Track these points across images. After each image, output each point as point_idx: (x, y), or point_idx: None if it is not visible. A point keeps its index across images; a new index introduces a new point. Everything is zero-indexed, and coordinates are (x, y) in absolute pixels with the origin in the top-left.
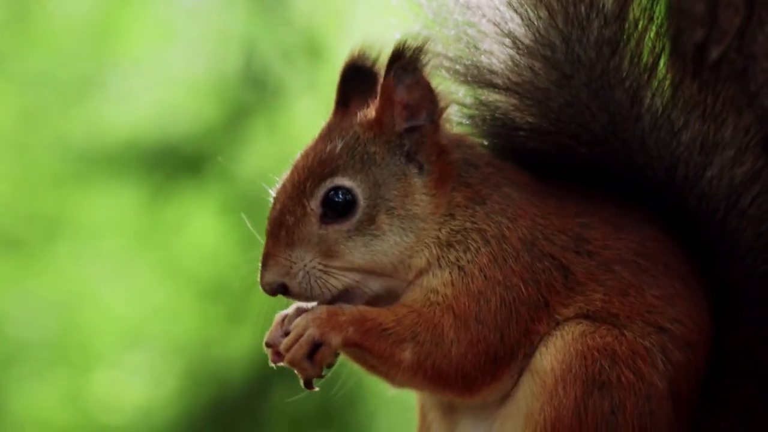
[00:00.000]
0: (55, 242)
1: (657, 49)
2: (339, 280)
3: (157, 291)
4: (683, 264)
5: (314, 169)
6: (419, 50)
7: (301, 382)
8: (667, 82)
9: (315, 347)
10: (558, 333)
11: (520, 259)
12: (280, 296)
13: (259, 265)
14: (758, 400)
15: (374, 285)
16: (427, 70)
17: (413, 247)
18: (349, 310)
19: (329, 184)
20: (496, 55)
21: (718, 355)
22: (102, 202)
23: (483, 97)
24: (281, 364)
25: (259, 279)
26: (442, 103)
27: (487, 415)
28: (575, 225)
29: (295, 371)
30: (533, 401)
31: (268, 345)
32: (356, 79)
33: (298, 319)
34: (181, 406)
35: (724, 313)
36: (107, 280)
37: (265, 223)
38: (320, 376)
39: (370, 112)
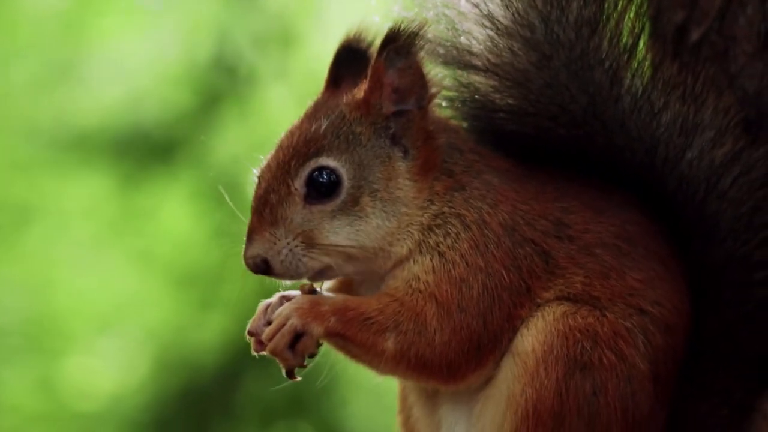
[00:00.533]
0: (26, 228)
1: (637, 30)
2: (321, 260)
3: (128, 277)
4: (663, 247)
5: (299, 149)
6: (414, 34)
7: (283, 372)
8: (647, 63)
9: (297, 337)
10: (539, 314)
11: (501, 244)
12: (253, 282)
13: (243, 239)
14: (738, 383)
15: (356, 268)
16: (421, 56)
17: (394, 233)
18: (331, 299)
19: (313, 164)
20: (476, 36)
21: (698, 338)
22: (73, 188)
23: (462, 79)
24: (263, 353)
25: (242, 253)
26: (432, 90)
27: (468, 398)
28: (555, 209)
29: (277, 360)
30: (514, 383)
31: (250, 334)
32: (349, 60)
33: (280, 309)
34: (152, 392)
35: (704, 295)
36: (79, 266)
37: (236, 208)
38: (302, 366)
39: (358, 92)
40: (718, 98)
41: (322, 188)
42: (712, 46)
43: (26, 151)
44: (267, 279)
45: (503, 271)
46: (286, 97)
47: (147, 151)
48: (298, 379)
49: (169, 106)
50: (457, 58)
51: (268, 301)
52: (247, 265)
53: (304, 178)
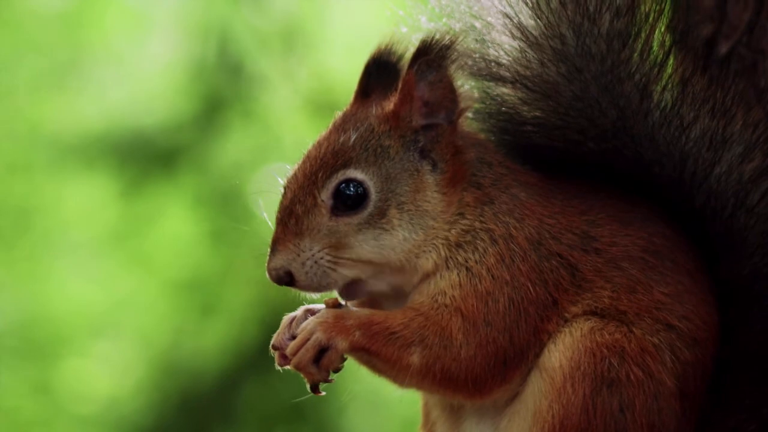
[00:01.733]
0: (26, 231)
1: (667, 44)
2: (346, 273)
3: (129, 282)
4: (690, 261)
5: (326, 160)
6: (446, 48)
7: (308, 386)
8: (677, 77)
9: (322, 351)
10: (566, 330)
11: (527, 258)
12: (253, 289)
13: (267, 251)
14: (766, 398)
15: (381, 281)
16: (452, 69)
17: (420, 246)
18: (356, 314)
19: (341, 176)
20: (505, 48)
21: (725, 352)
22: (74, 193)
23: (490, 91)
24: (287, 367)
25: (266, 264)
26: (462, 105)
27: (493, 413)
28: (582, 223)
29: (302, 375)
30: (541, 399)
31: (274, 348)
32: (379, 72)
33: (305, 323)
34: (151, 397)
35: (732, 310)
36: (78, 270)
37: (238, 215)
38: (327, 381)
39: (388, 105)
40: (747, 113)
41: (349, 201)
42: (740, 60)
43: (27, 154)
44: (271, 288)
45: (529, 285)
46: (291, 102)
47: (149, 155)
48: (323, 393)
49: (172, 111)
50: (486, 70)
51: (293, 314)
52: (270, 276)
53: (331, 190)
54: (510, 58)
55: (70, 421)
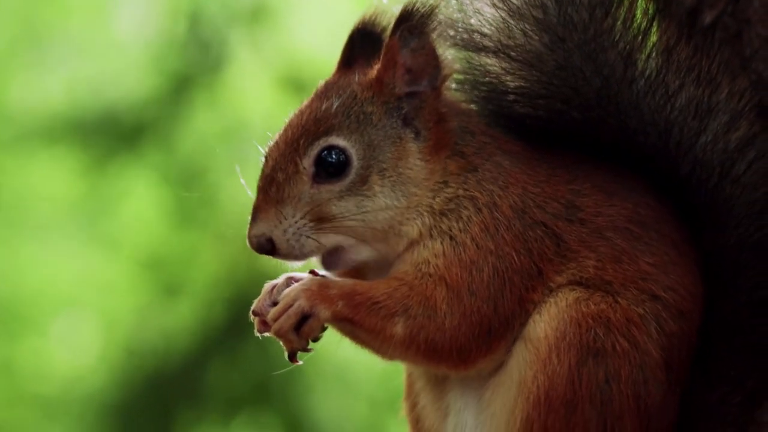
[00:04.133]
0: None
1: (650, 12)
2: (328, 241)
3: (94, 261)
4: (676, 231)
5: (308, 127)
6: (429, 14)
7: (285, 355)
8: (662, 46)
9: (303, 319)
10: (551, 300)
11: (511, 227)
12: (220, 268)
13: (248, 218)
14: (750, 370)
15: (363, 250)
16: (435, 36)
17: (404, 213)
18: (340, 283)
19: (323, 143)
20: (487, 17)
21: (711, 324)
22: (38, 171)
23: (473, 61)
24: (267, 334)
25: (247, 232)
26: (445, 71)
27: (478, 384)
28: (567, 192)
29: (281, 342)
30: (526, 369)
31: (255, 314)
32: (363, 43)
33: (288, 290)
34: (116, 377)
35: (717, 281)
36: (43, 249)
37: (204, 193)
38: (306, 350)
39: (371, 72)
40: (733, 82)
41: (331, 168)
42: (725, 29)
43: None
44: (238, 267)
45: (514, 254)
46: (259, 80)
47: (115, 133)
48: (300, 362)
49: (139, 87)
50: (468, 40)
51: (274, 282)
52: (251, 244)
53: (313, 157)
54: (492, 28)
55: (33, 400)
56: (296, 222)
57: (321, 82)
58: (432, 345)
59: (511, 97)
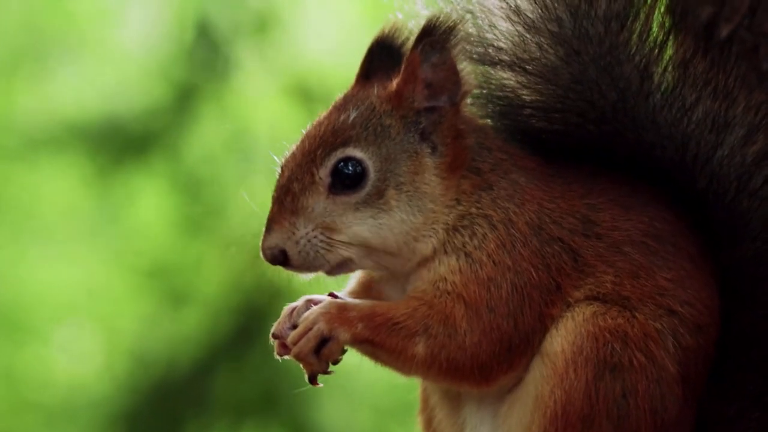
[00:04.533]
0: None
1: (667, 25)
2: (341, 254)
3: (101, 269)
4: (692, 245)
5: (326, 138)
6: (451, 29)
7: (306, 377)
8: (678, 59)
9: (323, 342)
10: (569, 315)
11: (528, 243)
12: (227, 279)
13: (263, 230)
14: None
15: (376, 263)
16: (456, 52)
17: (419, 229)
18: (359, 305)
19: (340, 154)
20: (502, 32)
21: (728, 338)
22: (46, 181)
23: (489, 75)
24: (287, 357)
25: (260, 243)
26: (465, 88)
27: (494, 399)
28: (582, 207)
29: (301, 366)
30: (543, 384)
31: (275, 336)
32: (382, 56)
33: (307, 313)
34: (123, 386)
35: (734, 295)
36: (50, 258)
37: (211, 202)
38: (326, 372)
39: (390, 85)
40: (749, 95)
41: (347, 179)
42: (741, 42)
43: None
44: (245, 276)
45: (532, 270)
46: (265, 89)
47: (122, 142)
48: (320, 385)
49: (145, 98)
50: (484, 54)
51: (294, 304)
52: (265, 256)
53: (330, 167)
54: (508, 42)
55: (36, 409)
56: (308, 234)
57: (339, 95)
58: (453, 363)
59: (527, 111)
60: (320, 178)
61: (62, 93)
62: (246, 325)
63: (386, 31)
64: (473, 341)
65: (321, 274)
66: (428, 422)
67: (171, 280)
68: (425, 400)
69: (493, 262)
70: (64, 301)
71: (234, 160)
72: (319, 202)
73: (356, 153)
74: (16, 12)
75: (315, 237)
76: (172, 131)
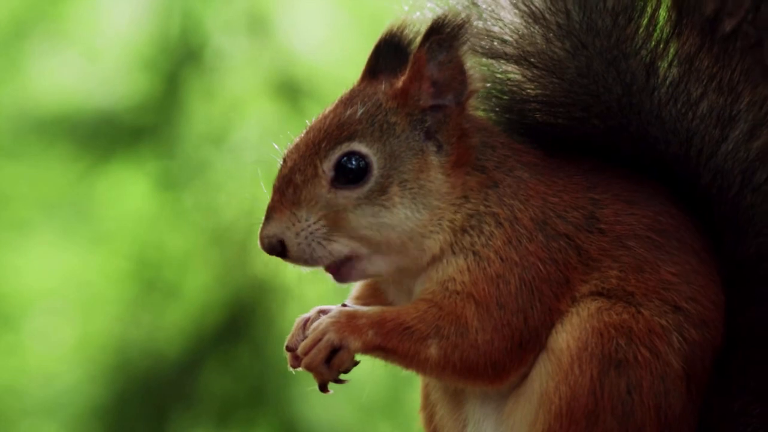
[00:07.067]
0: None
1: (673, 19)
2: (339, 248)
3: (90, 262)
4: (697, 240)
5: (331, 131)
6: (459, 28)
7: (317, 386)
8: (684, 54)
9: (333, 351)
10: (573, 310)
11: (534, 239)
12: (216, 273)
13: (262, 218)
14: None
15: (378, 262)
16: (463, 50)
17: (426, 226)
18: (368, 312)
19: (345, 148)
20: (508, 24)
21: (731, 334)
22: (33, 173)
23: (494, 69)
24: (300, 368)
25: (259, 231)
26: (471, 87)
27: (498, 395)
28: (586, 201)
29: (312, 375)
30: (548, 380)
31: (288, 349)
32: (389, 53)
33: (316, 323)
34: (111, 380)
35: (737, 290)
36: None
37: (202, 194)
38: (338, 381)
39: (397, 82)
40: (754, 90)
41: (351, 174)
42: (745, 37)
43: None
44: (233, 270)
45: (539, 264)
46: (254, 83)
47: (111, 135)
48: (331, 392)
49: (134, 92)
50: (489, 47)
51: (306, 315)
52: (263, 245)
53: (334, 161)
54: (514, 35)
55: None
56: (309, 226)
57: (345, 90)
58: (467, 363)
59: (532, 105)
60: (323, 171)
61: (50, 86)
62: (234, 319)
63: (393, 28)
64: (485, 339)
65: (320, 271)
66: (429, 419)
67: (159, 273)
68: (426, 397)
69: (501, 258)
70: (49, 293)
71: (222, 154)
72: (320, 195)
73: (361, 148)
74: (3, 4)
75: (315, 230)
76: (160, 125)
